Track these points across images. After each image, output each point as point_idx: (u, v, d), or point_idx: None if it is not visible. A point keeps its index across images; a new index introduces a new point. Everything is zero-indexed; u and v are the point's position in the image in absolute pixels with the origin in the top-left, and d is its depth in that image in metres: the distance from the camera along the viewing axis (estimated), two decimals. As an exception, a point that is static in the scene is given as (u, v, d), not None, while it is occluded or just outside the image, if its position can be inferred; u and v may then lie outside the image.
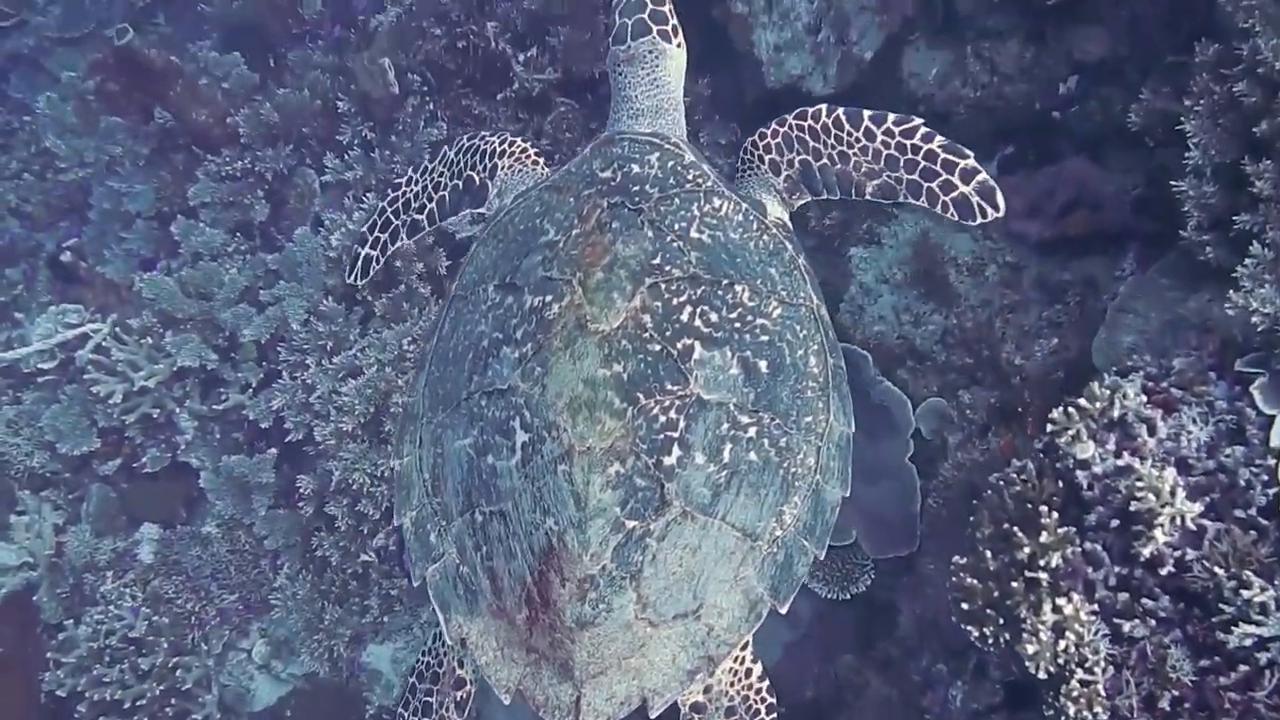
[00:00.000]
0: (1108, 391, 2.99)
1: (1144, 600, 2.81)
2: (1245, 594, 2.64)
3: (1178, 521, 2.77)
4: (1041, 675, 2.83)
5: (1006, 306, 4.35)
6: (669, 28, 3.16)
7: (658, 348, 2.60)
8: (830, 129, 2.92)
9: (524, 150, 3.30)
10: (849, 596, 4.38)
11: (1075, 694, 2.76)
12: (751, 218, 2.88)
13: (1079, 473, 2.96)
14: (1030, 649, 2.82)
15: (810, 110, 2.97)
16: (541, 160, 3.32)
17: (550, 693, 2.62)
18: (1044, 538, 2.88)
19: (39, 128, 7.03)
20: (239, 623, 5.66)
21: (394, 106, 5.81)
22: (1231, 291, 3.00)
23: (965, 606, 3.03)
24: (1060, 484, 3.01)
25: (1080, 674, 2.78)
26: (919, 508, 4.20)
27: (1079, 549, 2.89)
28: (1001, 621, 2.94)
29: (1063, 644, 2.80)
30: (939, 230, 4.62)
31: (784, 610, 2.72)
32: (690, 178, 2.88)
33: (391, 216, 3.52)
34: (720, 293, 2.69)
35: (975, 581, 3.01)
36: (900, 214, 4.77)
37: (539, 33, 5.56)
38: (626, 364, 2.58)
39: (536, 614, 2.59)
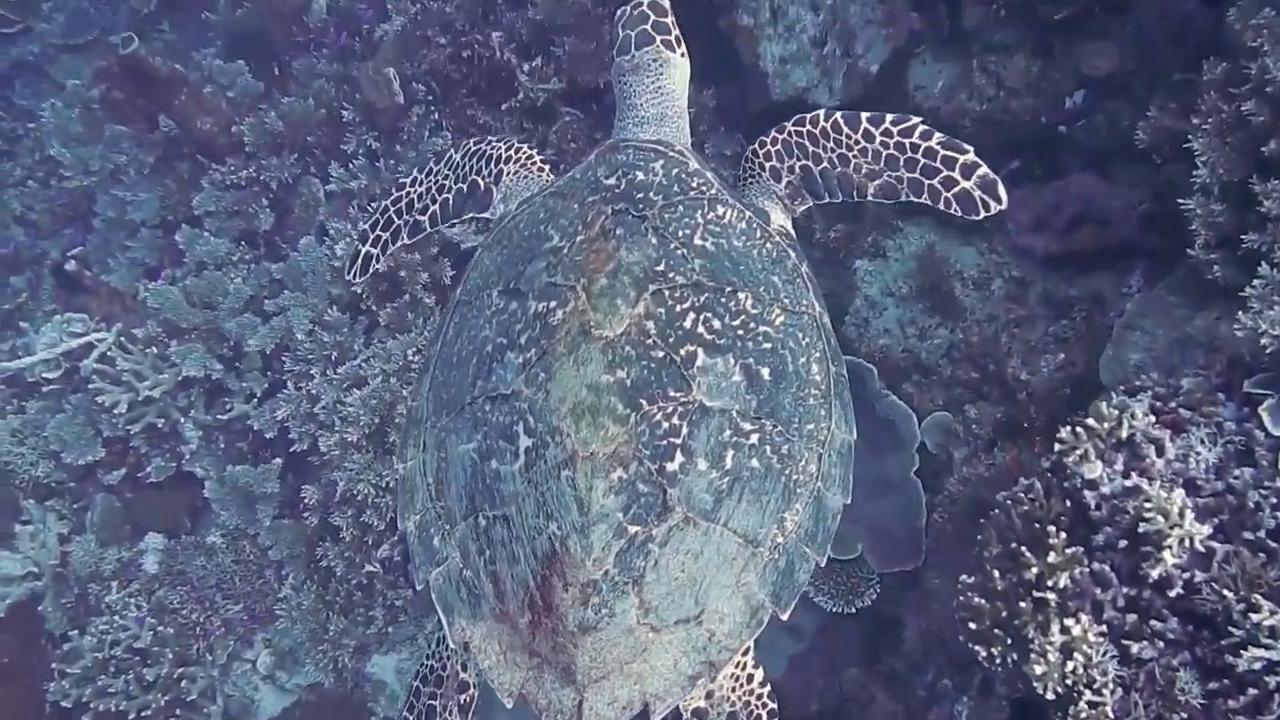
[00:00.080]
0: (1116, 411, 2.99)
1: (1152, 622, 2.81)
2: (1254, 617, 2.63)
3: (1186, 543, 2.76)
4: (1050, 696, 2.82)
5: (1012, 321, 4.35)
6: (672, 38, 3.19)
7: (661, 354, 2.61)
8: (829, 133, 2.93)
9: (529, 157, 3.31)
10: (854, 610, 4.38)
11: (1083, 715, 2.75)
12: (755, 225, 2.89)
13: (1087, 493, 2.96)
14: (1038, 669, 2.82)
15: (809, 116, 2.98)
16: (547, 167, 3.32)
17: (553, 697, 2.63)
18: (1052, 558, 2.88)
19: (43, 135, 7.03)
20: (244, 633, 5.67)
21: (399, 116, 5.82)
22: (1240, 312, 3.01)
23: (973, 626, 3.03)
24: (1068, 504, 3.01)
25: (1088, 695, 2.78)
26: (924, 522, 4.19)
27: (1087, 569, 2.89)
28: (1009, 641, 2.94)
29: (1071, 665, 2.80)
30: (944, 243, 4.62)
31: (785, 616, 2.73)
32: (694, 185, 2.89)
33: (394, 216, 3.52)
34: (723, 300, 2.70)
35: (983, 601, 3.01)
36: (905, 227, 4.77)
37: (544, 43, 5.56)
38: (630, 370, 2.59)
39: (539, 618, 2.60)
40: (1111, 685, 2.78)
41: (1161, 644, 2.79)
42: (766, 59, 4.91)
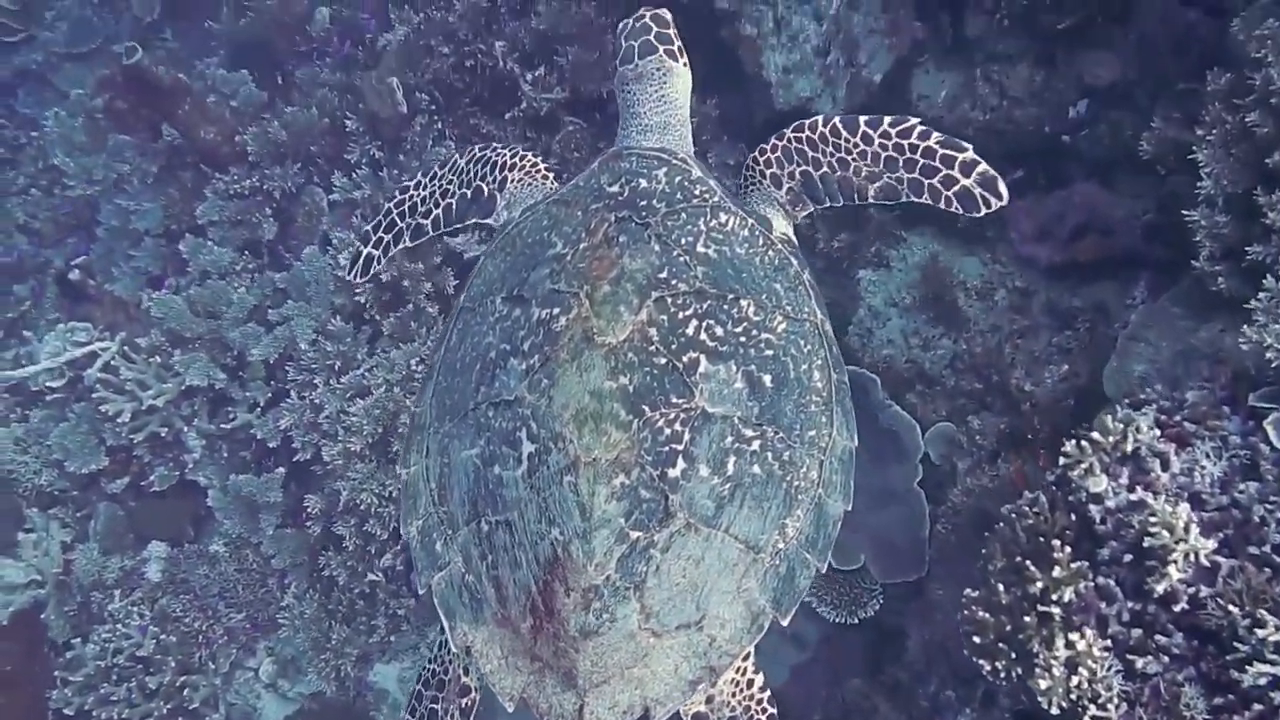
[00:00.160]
0: (1121, 425, 2.98)
1: (1157, 637, 2.79)
2: (1260, 632, 2.62)
3: (1191, 558, 2.75)
4: (1054, 711, 2.81)
5: (1016, 332, 4.34)
6: (675, 48, 3.21)
7: (663, 361, 2.61)
8: (827, 137, 2.94)
9: (534, 164, 3.32)
10: (857, 621, 4.37)
11: (1088, 730, 2.75)
12: (757, 233, 2.89)
13: (1092, 506, 2.95)
14: (1043, 684, 2.80)
15: (808, 122, 2.99)
16: (551, 175, 3.33)
17: (554, 701, 2.64)
18: (1056, 572, 2.87)
19: (47, 144, 7.05)
20: (246, 641, 5.67)
21: (402, 125, 5.82)
22: (1245, 326, 3.00)
23: (977, 640, 3.02)
24: (1073, 517, 3.00)
25: (1093, 710, 2.77)
26: (927, 533, 4.18)
27: (1092, 584, 2.88)
28: (1014, 655, 2.93)
29: (1075, 679, 2.78)
30: (948, 253, 4.62)
31: (786, 622, 2.73)
32: (697, 193, 2.90)
33: (397, 218, 3.52)
34: (726, 307, 2.71)
35: (987, 614, 3.00)
36: (909, 236, 4.77)
37: (547, 52, 5.56)
38: (632, 376, 2.59)
39: (541, 623, 2.61)
40: (1116, 700, 2.77)
41: (1166, 659, 2.78)
42: (770, 69, 4.91)
